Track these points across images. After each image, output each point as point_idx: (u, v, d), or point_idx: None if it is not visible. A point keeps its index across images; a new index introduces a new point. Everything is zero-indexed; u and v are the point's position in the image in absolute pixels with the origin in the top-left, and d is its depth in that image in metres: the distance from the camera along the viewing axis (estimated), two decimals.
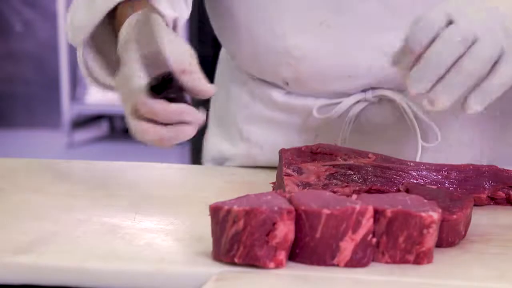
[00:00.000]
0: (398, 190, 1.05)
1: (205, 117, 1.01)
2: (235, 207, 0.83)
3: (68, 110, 5.93)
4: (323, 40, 1.18)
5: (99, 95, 5.96)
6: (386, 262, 0.86)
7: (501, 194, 1.11)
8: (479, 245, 0.93)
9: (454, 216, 0.91)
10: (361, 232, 0.84)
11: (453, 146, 1.26)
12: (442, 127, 1.23)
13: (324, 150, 1.11)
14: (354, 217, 0.83)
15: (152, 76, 0.99)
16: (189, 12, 1.20)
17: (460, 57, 0.92)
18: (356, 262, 0.84)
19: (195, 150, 3.68)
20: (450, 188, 1.09)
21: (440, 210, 0.86)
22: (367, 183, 1.08)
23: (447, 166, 1.12)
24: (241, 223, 0.83)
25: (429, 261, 0.86)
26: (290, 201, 0.87)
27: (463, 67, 0.92)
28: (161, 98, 0.98)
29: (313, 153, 1.11)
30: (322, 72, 1.20)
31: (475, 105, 0.95)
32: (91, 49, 1.17)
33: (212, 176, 1.27)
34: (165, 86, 0.98)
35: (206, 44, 3.49)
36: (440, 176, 1.10)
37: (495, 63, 0.93)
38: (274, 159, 1.16)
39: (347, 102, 1.22)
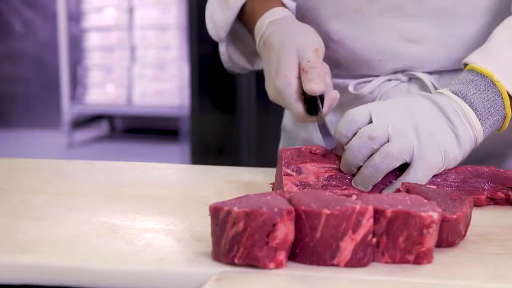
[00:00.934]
0: (398, 190, 1.05)
1: None
2: (235, 208, 0.83)
3: (68, 110, 5.94)
4: (356, 26, 1.30)
5: (99, 95, 5.97)
6: (386, 262, 0.86)
7: (500, 195, 1.11)
8: (479, 245, 0.93)
9: (454, 216, 0.91)
10: (361, 232, 0.84)
11: None
12: None
13: (323, 152, 1.12)
14: (354, 217, 0.83)
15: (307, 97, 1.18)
16: None
17: (373, 154, 1.06)
18: (356, 262, 0.84)
19: (195, 150, 3.69)
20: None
21: (440, 210, 0.86)
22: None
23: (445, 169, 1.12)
24: (241, 225, 0.83)
25: (429, 261, 0.86)
26: (290, 201, 0.86)
27: (374, 163, 1.05)
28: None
29: (313, 153, 1.12)
30: (356, 55, 1.32)
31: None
32: (231, 43, 1.39)
33: (212, 176, 1.27)
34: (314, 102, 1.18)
35: (206, 44, 3.49)
36: (439, 179, 1.10)
37: (408, 165, 1.06)
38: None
39: (378, 80, 1.33)
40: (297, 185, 1.07)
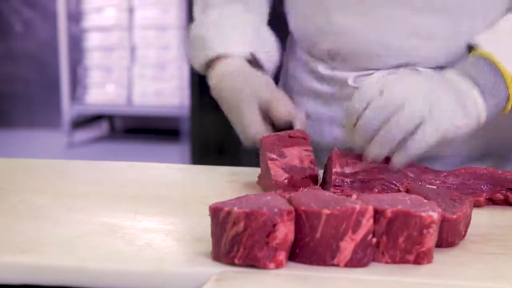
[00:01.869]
0: (398, 190, 1.06)
1: None
2: (235, 209, 0.83)
3: (68, 110, 5.93)
4: (359, 18, 1.30)
5: (99, 95, 5.97)
6: (386, 262, 0.86)
7: (499, 196, 1.11)
8: (479, 245, 0.93)
9: (454, 216, 0.91)
10: (361, 232, 0.84)
11: None
12: None
13: (302, 135, 1.16)
14: (354, 217, 0.83)
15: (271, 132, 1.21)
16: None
17: (386, 121, 1.08)
18: (356, 262, 0.84)
19: (195, 150, 3.68)
20: None
21: (440, 210, 0.86)
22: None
23: (444, 172, 1.12)
24: (241, 225, 0.83)
25: (429, 261, 0.86)
26: (290, 201, 0.86)
27: (390, 126, 1.08)
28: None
29: (291, 137, 1.16)
30: (358, 48, 1.32)
31: (398, 162, 1.10)
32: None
33: (212, 176, 1.27)
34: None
35: None
36: (438, 181, 1.10)
37: (417, 127, 1.08)
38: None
39: (378, 73, 1.32)
40: (283, 168, 1.11)
